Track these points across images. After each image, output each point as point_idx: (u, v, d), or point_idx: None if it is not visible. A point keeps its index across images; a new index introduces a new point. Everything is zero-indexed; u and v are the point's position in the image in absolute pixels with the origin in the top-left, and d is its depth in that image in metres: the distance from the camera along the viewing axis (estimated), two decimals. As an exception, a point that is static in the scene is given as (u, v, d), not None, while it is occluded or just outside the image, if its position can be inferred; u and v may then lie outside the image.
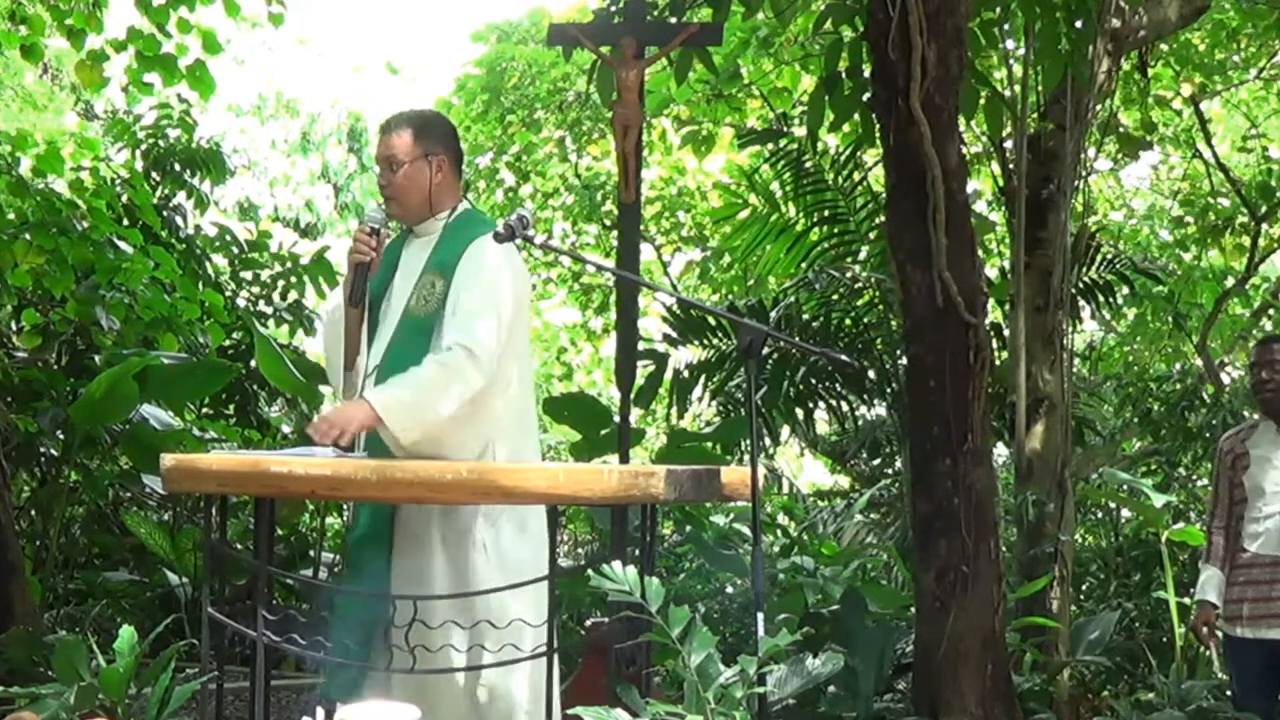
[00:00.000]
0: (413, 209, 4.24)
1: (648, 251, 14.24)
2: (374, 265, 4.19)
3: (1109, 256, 8.96)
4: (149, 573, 8.05)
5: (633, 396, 6.11)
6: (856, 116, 6.04)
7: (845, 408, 9.09)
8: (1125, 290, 9.33)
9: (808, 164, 8.85)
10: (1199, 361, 10.35)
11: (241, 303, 9.64)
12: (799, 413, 8.93)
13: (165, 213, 9.34)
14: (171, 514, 8.53)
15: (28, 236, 7.69)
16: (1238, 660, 5.50)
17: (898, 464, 9.89)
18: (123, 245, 8.13)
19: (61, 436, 7.94)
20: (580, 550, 11.22)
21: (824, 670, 5.57)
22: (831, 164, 8.93)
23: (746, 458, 6.42)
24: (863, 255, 8.90)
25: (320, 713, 3.76)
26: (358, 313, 4.19)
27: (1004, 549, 6.84)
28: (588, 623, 5.69)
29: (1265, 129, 12.20)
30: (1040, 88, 7.38)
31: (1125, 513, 9.20)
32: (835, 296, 8.72)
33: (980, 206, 10.69)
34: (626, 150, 5.89)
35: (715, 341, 8.84)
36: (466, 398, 3.93)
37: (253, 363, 8.55)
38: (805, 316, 8.67)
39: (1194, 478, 9.42)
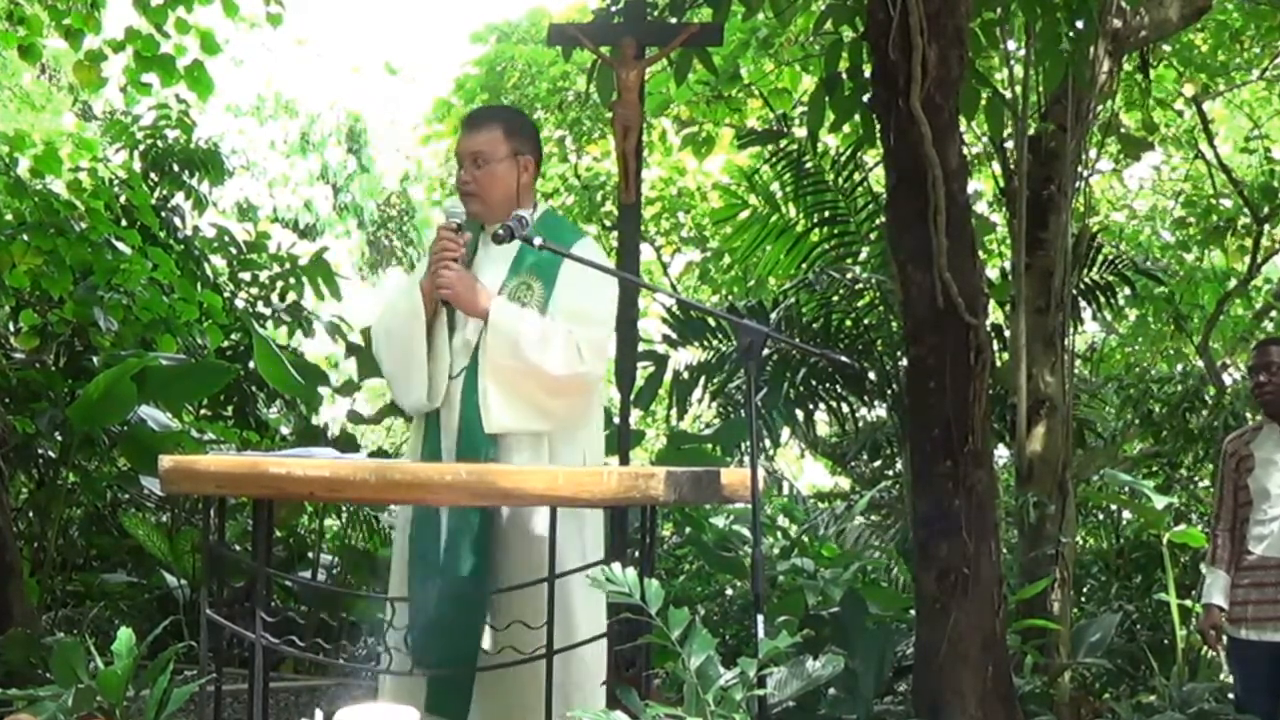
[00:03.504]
0: (494, 208, 4.14)
1: (648, 252, 14.24)
2: (460, 262, 4.09)
3: (1110, 257, 8.95)
4: (147, 574, 8.04)
5: (632, 398, 6.10)
6: (857, 117, 6.03)
7: (845, 409, 9.07)
8: (1126, 291, 9.33)
9: (808, 165, 8.84)
10: (1200, 363, 10.35)
11: (240, 304, 9.64)
12: (799, 414, 8.92)
13: (164, 213, 9.33)
14: (170, 515, 8.52)
15: (25, 237, 7.68)
16: (1242, 662, 5.50)
17: (898, 466, 9.88)
18: (121, 246, 8.12)
19: (59, 438, 7.92)
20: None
21: (824, 672, 5.54)
22: (832, 165, 8.92)
23: (746, 459, 6.40)
24: (863, 256, 8.89)
25: (319, 715, 3.74)
26: (440, 308, 4.11)
27: (1005, 551, 6.83)
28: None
29: (1268, 130, 12.20)
30: (1041, 88, 7.37)
31: (1126, 514, 9.19)
32: (835, 298, 8.71)
33: (981, 207, 10.68)
34: (626, 151, 5.87)
35: (715, 343, 8.83)
36: (564, 374, 3.94)
37: (251, 364, 8.54)
38: (805, 318, 8.66)
39: (1195, 479, 9.41)
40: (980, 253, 6.40)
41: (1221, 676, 6.88)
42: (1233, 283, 11.37)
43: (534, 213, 4.15)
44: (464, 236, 4.10)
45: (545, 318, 4.01)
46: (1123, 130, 9.77)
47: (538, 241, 3.83)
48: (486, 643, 3.84)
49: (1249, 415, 7.73)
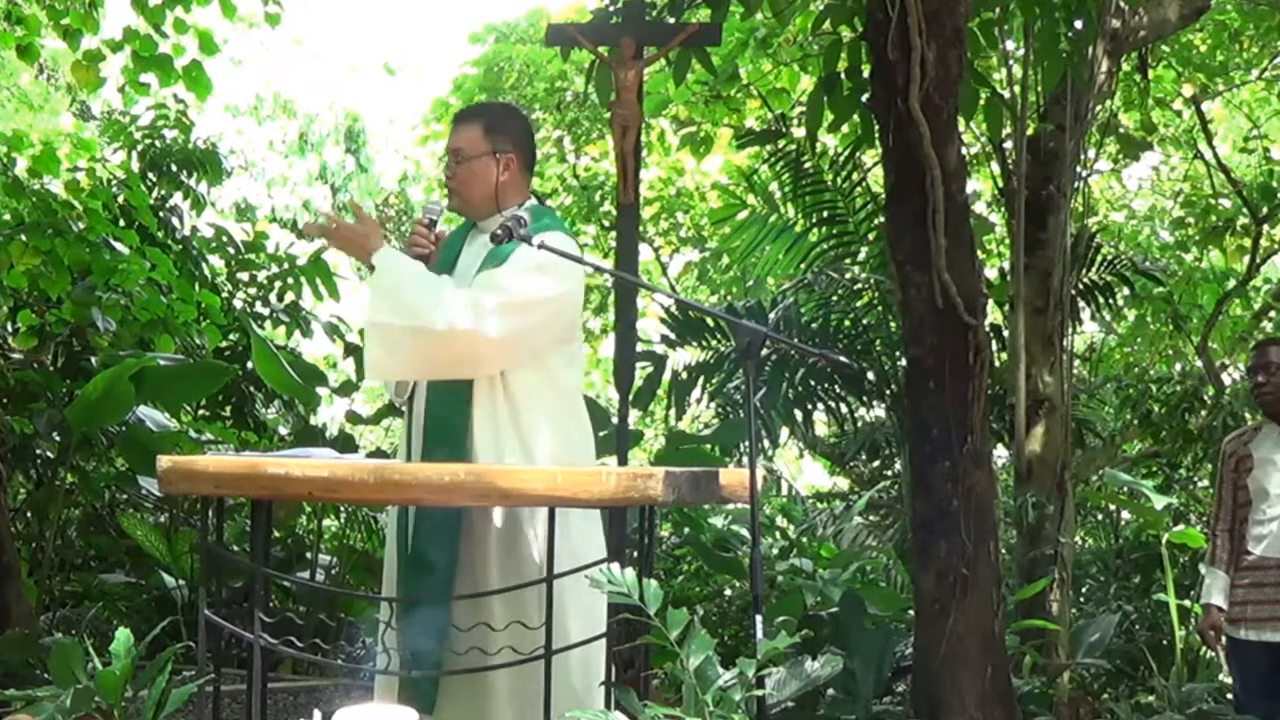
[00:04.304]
0: (475, 204, 4.18)
1: (646, 252, 14.24)
2: (431, 258, 4.14)
3: (1109, 257, 8.95)
4: (145, 575, 8.02)
5: (631, 398, 6.09)
6: (855, 117, 6.03)
7: (844, 409, 9.07)
8: (1125, 291, 9.33)
9: (806, 165, 8.84)
10: (1200, 363, 10.34)
11: (238, 304, 9.62)
12: (798, 414, 8.91)
13: (162, 214, 9.32)
14: (168, 516, 8.50)
15: (23, 237, 7.67)
16: (1241, 662, 5.50)
17: (897, 466, 9.88)
18: (119, 246, 8.11)
19: (58, 438, 7.92)
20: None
21: (823, 673, 5.54)
22: (830, 165, 8.92)
23: (745, 459, 6.39)
24: (862, 256, 8.89)
25: (317, 715, 3.74)
26: None
27: (1004, 551, 6.83)
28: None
29: (1267, 130, 12.20)
30: (1040, 88, 7.37)
31: (1125, 515, 9.19)
32: (834, 298, 8.71)
33: (980, 207, 10.68)
34: (625, 151, 5.87)
35: (714, 343, 8.83)
36: (446, 330, 3.85)
37: (249, 364, 8.54)
38: (804, 318, 8.66)
39: (1195, 479, 9.41)
40: (979, 253, 6.40)
41: (1220, 677, 6.88)
42: (1232, 283, 11.36)
43: (519, 209, 4.14)
44: (438, 232, 4.15)
45: (435, 276, 4.00)
46: (1121, 130, 9.78)
47: (536, 240, 3.84)
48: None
49: (1248, 415, 7.73)
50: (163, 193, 9.60)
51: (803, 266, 9.17)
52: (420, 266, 4.03)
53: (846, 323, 8.70)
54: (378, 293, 3.93)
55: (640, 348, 7.87)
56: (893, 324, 8.16)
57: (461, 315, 3.86)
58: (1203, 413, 8.67)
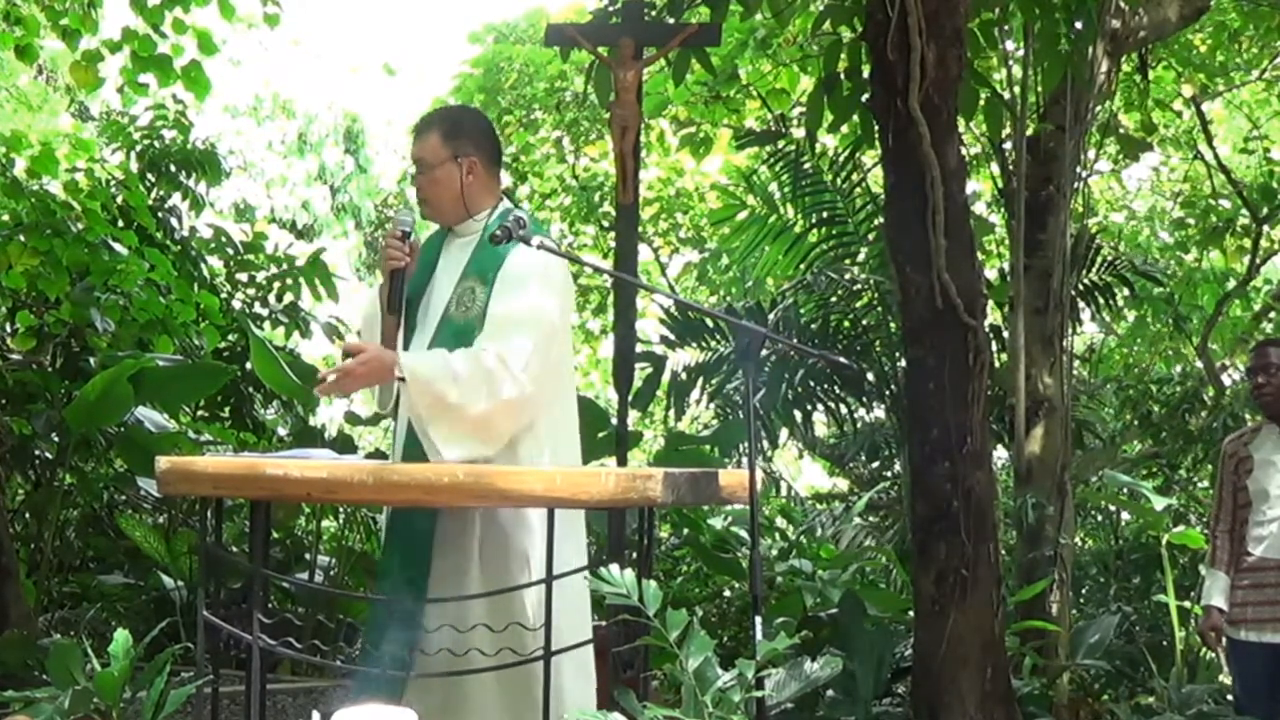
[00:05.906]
0: (445, 211, 4.15)
1: (645, 253, 14.24)
2: (409, 269, 4.09)
3: (1109, 258, 8.95)
4: (144, 576, 8.02)
5: (630, 399, 6.08)
6: (855, 118, 6.02)
7: (844, 410, 9.07)
8: (1125, 292, 9.32)
9: (806, 165, 8.83)
10: (1200, 364, 10.34)
11: (237, 305, 9.61)
12: (797, 415, 8.91)
13: (160, 214, 9.30)
14: (167, 517, 8.50)
15: (22, 238, 7.67)
16: (1241, 664, 5.50)
17: (896, 467, 9.87)
18: (118, 247, 8.10)
19: (56, 439, 7.92)
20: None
21: (822, 674, 5.54)
22: (830, 165, 8.91)
23: (744, 460, 6.39)
24: (861, 257, 8.88)
25: (317, 716, 3.73)
26: (395, 318, 4.06)
27: (1003, 552, 6.82)
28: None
29: (1267, 130, 12.19)
30: (1040, 89, 7.36)
31: (1125, 516, 9.18)
32: (834, 298, 8.70)
33: (980, 208, 10.67)
34: (624, 151, 5.86)
35: (713, 343, 8.83)
36: (493, 406, 3.78)
37: (248, 365, 8.53)
38: (804, 318, 8.66)
39: (1195, 481, 9.40)
40: (979, 253, 6.39)
41: (1221, 678, 6.88)
42: (1232, 283, 11.36)
43: (493, 211, 4.13)
44: (411, 243, 4.10)
45: (459, 355, 3.85)
46: (1121, 131, 9.77)
47: (535, 241, 3.83)
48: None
49: (1248, 416, 7.72)
50: (161, 193, 9.59)
51: (802, 267, 9.16)
52: (443, 358, 3.85)
53: (846, 323, 8.70)
54: (420, 399, 3.79)
55: (640, 348, 7.86)
56: (893, 324, 8.15)
57: (498, 388, 3.77)
58: (1203, 414, 8.68)
